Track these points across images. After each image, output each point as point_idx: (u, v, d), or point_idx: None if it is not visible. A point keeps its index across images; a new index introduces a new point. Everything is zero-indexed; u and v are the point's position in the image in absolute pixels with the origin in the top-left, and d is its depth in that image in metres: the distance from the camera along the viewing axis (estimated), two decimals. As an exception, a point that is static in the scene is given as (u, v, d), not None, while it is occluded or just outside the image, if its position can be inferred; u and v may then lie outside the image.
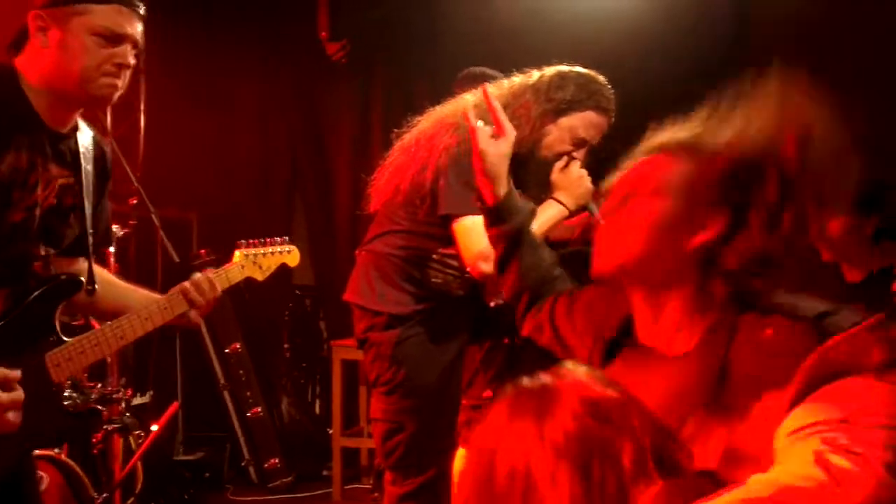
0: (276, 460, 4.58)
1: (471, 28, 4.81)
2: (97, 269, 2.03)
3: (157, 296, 2.10)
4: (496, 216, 1.91)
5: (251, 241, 2.36)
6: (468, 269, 2.47)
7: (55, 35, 1.82)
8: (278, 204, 5.74)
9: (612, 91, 2.56)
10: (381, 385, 2.65)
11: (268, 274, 2.39)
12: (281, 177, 5.74)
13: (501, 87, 2.55)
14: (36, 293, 1.87)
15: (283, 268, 2.50)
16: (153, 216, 3.27)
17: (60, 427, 1.95)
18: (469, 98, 2.52)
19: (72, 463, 2.69)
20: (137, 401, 3.69)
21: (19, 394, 1.71)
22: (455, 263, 2.59)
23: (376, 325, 2.67)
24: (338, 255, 5.54)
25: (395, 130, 2.69)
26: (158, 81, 5.37)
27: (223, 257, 4.78)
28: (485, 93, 1.95)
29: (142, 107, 5.38)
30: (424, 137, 2.55)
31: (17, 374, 1.72)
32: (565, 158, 2.56)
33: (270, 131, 5.65)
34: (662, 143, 1.48)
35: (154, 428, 2.92)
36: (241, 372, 4.67)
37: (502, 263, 1.93)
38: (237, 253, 2.30)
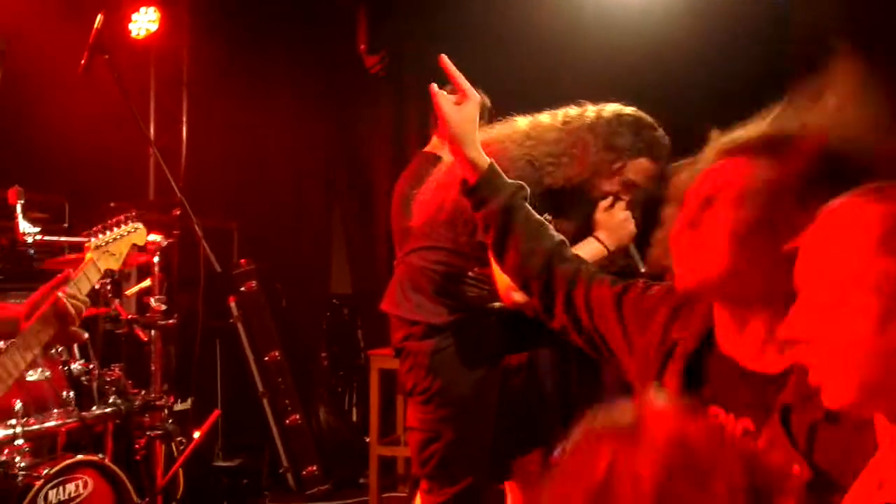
0: (314, 468, 4.63)
1: (511, 42, 4.84)
2: None
3: (19, 306, 1.97)
4: (479, 196, 1.77)
5: (95, 228, 2.28)
6: (501, 298, 2.49)
7: None
8: (317, 214, 5.81)
9: (667, 139, 2.54)
10: (418, 394, 2.68)
11: (122, 259, 2.30)
12: (319, 187, 5.81)
13: (556, 119, 2.54)
14: None
15: (135, 248, 2.44)
16: (195, 226, 3.33)
17: None
18: (520, 121, 2.53)
19: (115, 468, 2.75)
20: (178, 407, 3.75)
21: None
22: (490, 282, 2.61)
23: (413, 335, 2.70)
24: (375, 264, 5.59)
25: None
26: (200, 93, 5.48)
27: (264, 266, 4.90)
28: (442, 62, 1.86)
29: (184, 118, 5.49)
30: None
31: None
32: (611, 198, 2.56)
33: (309, 142, 5.72)
34: (736, 144, 1.37)
35: (196, 435, 2.98)
36: (279, 380, 4.72)
37: (497, 248, 1.77)
38: (89, 251, 2.20)
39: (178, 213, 3.45)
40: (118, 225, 2.29)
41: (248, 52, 5.38)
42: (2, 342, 2.04)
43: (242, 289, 4.74)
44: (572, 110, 2.57)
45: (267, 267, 4.95)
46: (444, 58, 1.86)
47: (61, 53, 3.88)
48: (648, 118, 2.55)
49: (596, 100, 2.58)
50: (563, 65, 4.68)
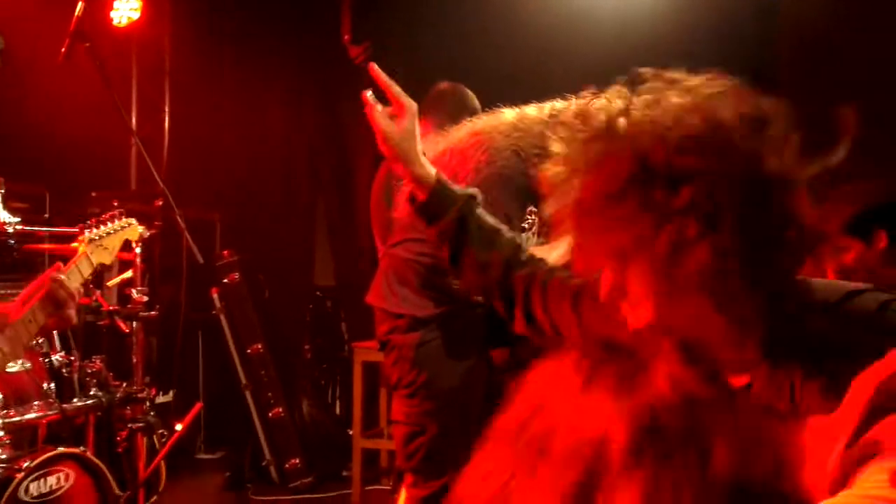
0: (297, 461, 4.61)
1: (496, 32, 4.83)
2: None
3: (9, 304, 1.97)
4: (429, 212, 1.70)
5: (90, 221, 2.27)
6: None
7: None
8: (300, 205, 5.78)
9: None
10: (403, 387, 2.67)
11: (115, 254, 2.31)
12: (303, 178, 5.78)
13: (542, 112, 2.52)
14: None
15: (127, 244, 2.43)
16: (178, 217, 3.30)
17: None
18: (507, 113, 2.52)
19: (97, 461, 2.72)
20: (160, 399, 3.72)
21: None
22: None
23: (398, 328, 2.68)
24: (359, 256, 5.57)
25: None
26: (183, 82, 5.43)
27: (246, 258, 4.87)
28: (372, 70, 1.75)
29: (166, 108, 5.45)
30: (457, 150, 2.55)
31: None
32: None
33: (293, 133, 5.69)
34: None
35: (178, 427, 2.96)
36: (262, 372, 4.70)
37: (453, 262, 1.70)
38: (81, 244, 2.20)
39: (161, 203, 3.42)
40: (112, 220, 2.29)
41: (232, 41, 5.34)
42: None
43: (225, 280, 4.71)
44: (559, 104, 2.56)
45: (250, 258, 4.92)
46: (374, 66, 1.75)
47: (42, 41, 3.83)
48: None
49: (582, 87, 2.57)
50: (550, 56, 4.67)
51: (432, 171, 1.70)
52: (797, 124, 1.29)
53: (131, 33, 5.13)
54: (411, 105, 1.70)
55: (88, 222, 2.21)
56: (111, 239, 2.25)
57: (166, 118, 5.39)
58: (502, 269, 1.66)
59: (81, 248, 2.16)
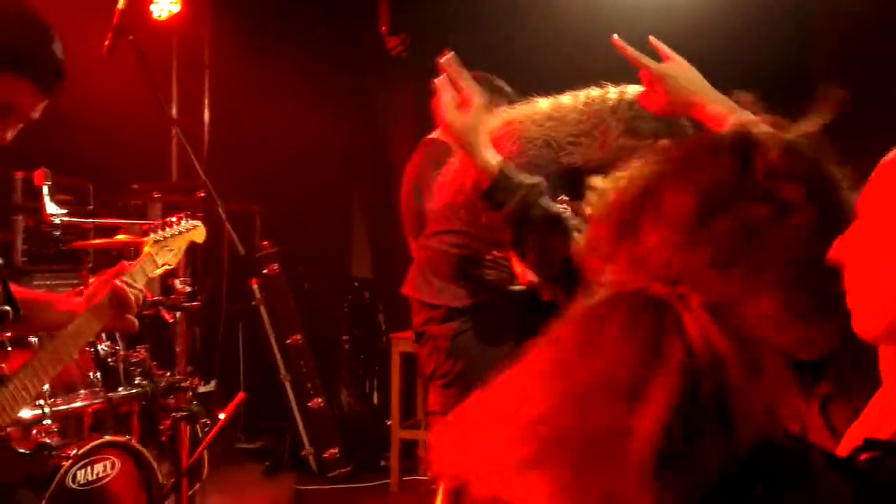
0: (336, 450, 4.65)
1: (534, 23, 4.82)
2: (13, 287, 1.88)
3: (77, 300, 1.97)
4: (493, 200, 1.74)
5: (155, 223, 2.29)
6: (518, 278, 2.48)
7: None
8: (338, 197, 5.82)
9: (690, 124, 2.50)
10: (439, 378, 2.68)
11: (180, 256, 2.30)
12: (341, 170, 5.81)
13: (577, 101, 2.51)
14: None
15: (197, 248, 2.44)
16: (220, 209, 3.34)
17: (19, 472, 1.88)
18: (542, 102, 2.51)
19: (142, 449, 2.77)
20: (202, 389, 3.78)
21: None
22: (508, 265, 2.60)
23: (433, 319, 2.70)
24: (396, 248, 5.59)
25: None
26: (222, 76, 5.49)
27: (286, 249, 4.91)
28: (442, 64, 1.77)
29: (206, 101, 5.51)
30: (491, 139, 2.55)
31: None
32: None
33: (331, 125, 5.71)
34: None
35: (221, 416, 3.00)
36: (301, 363, 4.74)
37: (517, 247, 1.76)
38: (147, 244, 2.19)
39: (203, 195, 3.46)
40: (178, 221, 2.30)
41: (270, 34, 5.38)
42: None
43: (265, 271, 4.76)
44: (594, 91, 2.53)
45: (289, 250, 4.96)
46: (450, 57, 1.77)
47: (83, 34, 3.89)
48: None
49: (620, 81, 2.55)
50: (584, 49, 4.64)
51: (497, 159, 1.74)
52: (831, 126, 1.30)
53: (171, 27, 5.19)
54: (478, 99, 1.73)
55: (153, 223, 2.23)
56: (177, 240, 2.26)
57: (206, 111, 5.46)
58: (563, 257, 1.70)
59: (147, 249, 2.16)
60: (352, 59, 5.62)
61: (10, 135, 1.67)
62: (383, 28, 5.15)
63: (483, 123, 1.76)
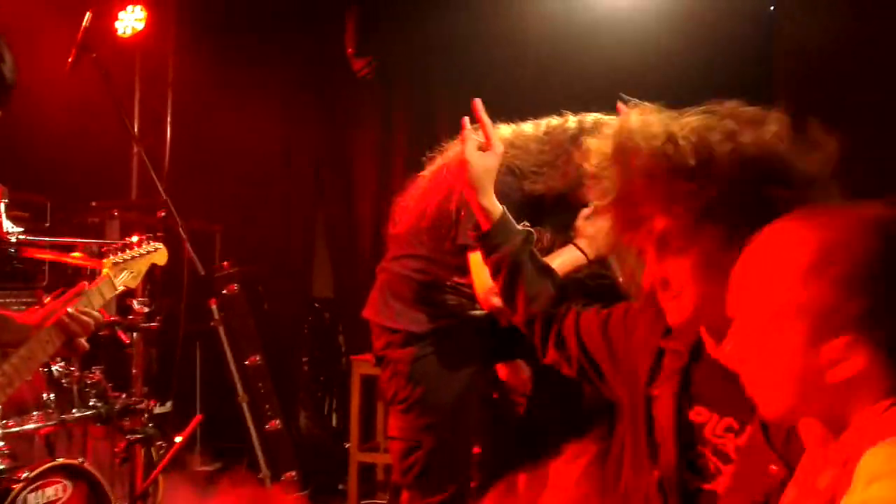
0: (293, 473, 4.61)
1: (499, 47, 4.86)
2: None
3: (30, 322, 1.95)
4: (491, 243, 1.88)
5: (116, 244, 2.26)
6: (479, 302, 2.50)
7: None
8: (300, 218, 5.79)
9: None
10: (399, 402, 2.68)
11: (140, 278, 2.28)
12: (304, 190, 5.79)
13: (538, 129, 2.56)
14: None
15: (155, 268, 2.39)
16: (180, 229, 3.31)
17: None
18: (503, 129, 2.54)
19: (95, 472, 2.73)
20: (158, 410, 3.73)
21: None
22: (468, 291, 2.62)
23: (393, 343, 2.70)
24: (358, 269, 5.58)
25: (426, 154, 2.72)
26: (185, 93, 5.46)
27: (246, 269, 4.88)
28: (474, 106, 1.96)
29: (168, 118, 5.47)
30: (452, 165, 2.57)
31: None
32: (593, 206, 2.56)
33: (295, 145, 5.71)
34: (654, 159, 1.43)
35: (177, 439, 2.97)
36: (259, 384, 4.70)
37: (506, 292, 1.89)
38: (105, 266, 2.18)
39: (163, 214, 3.43)
40: (139, 243, 2.27)
41: (235, 52, 5.37)
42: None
43: (224, 291, 4.71)
44: (554, 120, 2.59)
45: (249, 270, 4.93)
46: (478, 102, 1.95)
47: (44, 50, 3.85)
48: None
49: (581, 108, 2.60)
50: (551, 72, 4.71)
51: (499, 206, 1.90)
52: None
53: (135, 44, 5.16)
54: (498, 146, 1.93)
55: (113, 245, 2.21)
56: (137, 262, 2.25)
57: (168, 129, 5.42)
58: (548, 303, 1.86)
59: (105, 270, 2.14)
60: (317, 79, 5.62)
61: None
62: (350, 50, 5.17)
63: (496, 171, 1.91)
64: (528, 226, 2.61)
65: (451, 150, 2.64)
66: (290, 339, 5.42)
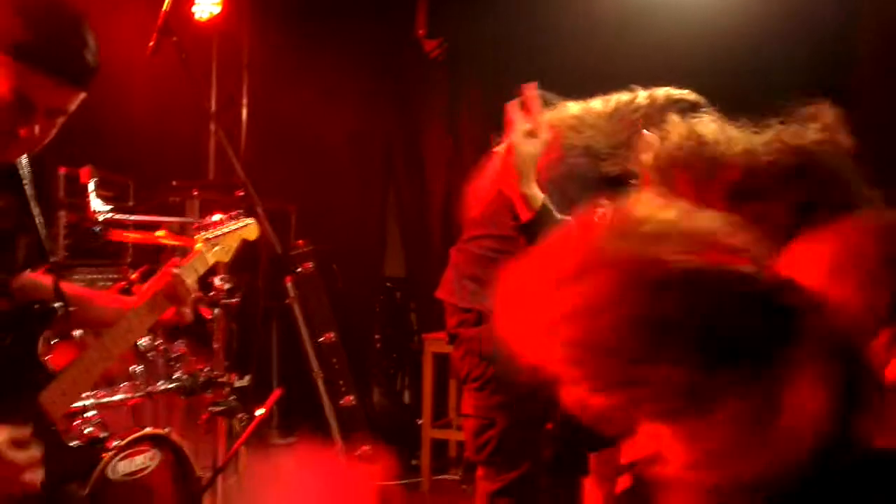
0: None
1: (571, 28, 4.82)
2: (63, 283, 1.88)
3: (127, 299, 2.00)
4: (532, 231, 1.85)
5: (207, 222, 2.27)
6: None
7: None
8: (373, 196, 5.86)
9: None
10: (472, 381, 2.70)
11: (231, 253, 2.29)
12: (376, 170, 5.85)
13: (608, 106, 2.53)
14: (13, 335, 1.73)
15: (246, 244, 2.41)
16: (259, 208, 3.38)
17: (70, 467, 1.84)
18: (572, 107, 2.53)
19: (180, 442, 2.82)
20: (238, 384, 3.83)
21: (36, 452, 1.61)
22: None
23: (466, 322, 2.72)
24: (429, 248, 5.63)
25: (496, 134, 2.73)
26: (260, 75, 5.56)
27: (320, 248, 4.97)
28: (526, 93, 1.92)
29: (244, 100, 5.58)
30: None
31: (27, 431, 1.61)
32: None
33: (367, 126, 5.76)
34: (714, 177, 1.41)
35: (259, 412, 3.05)
36: (333, 361, 4.78)
37: None
38: (198, 241, 2.20)
39: (242, 194, 3.51)
40: (230, 219, 2.30)
41: (309, 35, 5.44)
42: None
43: (299, 269, 4.80)
44: (623, 96, 2.54)
45: (323, 248, 5.01)
46: (530, 87, 1.93)
47: (125, 35, 3.96)
48: (702, 100, 2.51)
49: (652, 85, 2.55)
50: (620, 50, 4.65)
51: (540, 194, 1.86)
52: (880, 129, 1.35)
53: (212, 27, 5.26)
54: (545, 133, 1.89)
55: (204, 223, 2.24)
56: (228, 238, 2.27)
57: (244, 111, 5.52)
58: None
59: (198, 246, 2.17)
60: (389, 61, 5.66)
61: (38, 129, 1.62)
62: (421, 31, 5.19)
63: (538, 158, 1.87)
64: (602, 203, 2.61)
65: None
66: (362, 317, 5.50)
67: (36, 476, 1.60)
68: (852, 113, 1.43)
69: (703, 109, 2.46)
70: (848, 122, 1.43)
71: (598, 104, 2.54)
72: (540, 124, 1.88)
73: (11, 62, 1.56)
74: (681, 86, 2.52)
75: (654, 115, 2.44)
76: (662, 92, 2.49)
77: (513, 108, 1.90)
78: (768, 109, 1.48)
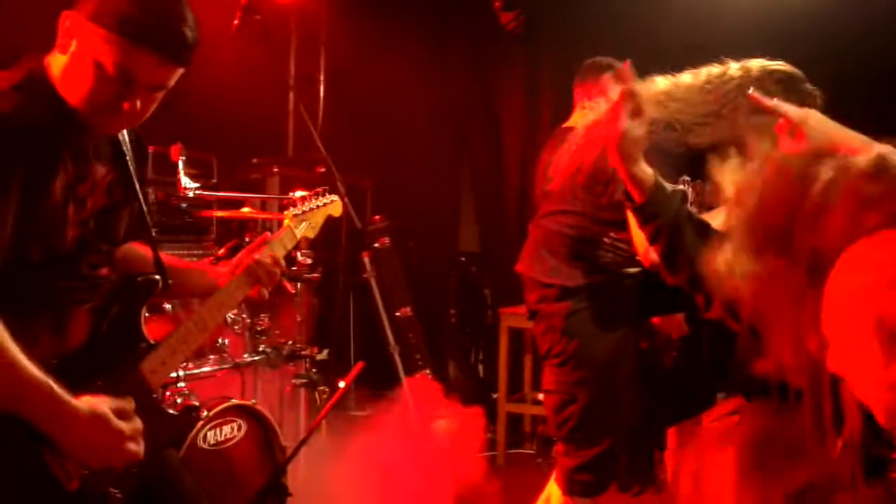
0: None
1: (646, 4, 4.74)
2: (161, 256, 1.92)
3: (219, 271, 2.04)
4: (646, 213, 1.84)
5: (294, 198, 2.29)
6: (639, 257, 2.49)
7: (75, 46, 1.63)
8: (447, 172, 5.88)
9: (818, 92, 2.44)
10: (553, 357, 2.72)
11: (317, 229, 2.32)
12: (451, 145, 5.86)
13: (698, 79, 2.49)
14: (118, 305, 1.78)
15: (332, 220, 2.43)
16: (339, 184, 3.44)
17: (167, 434, 1.88)
18: (660, 81, 2.50)
19: (266, 413, 2.90)
20: (319, 357, 3.91)
21: (138, 423, 1.65)
22: (625, 247, 2.61)
23: (548, 297, 2.73)
24: (504, 223, 5.63)
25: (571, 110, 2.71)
26: (337, 53, 5.60)
27: (396, 223, 5.01)
28: (620, 71, 1.92)
29: (321, 77, 5.63)
30: (605, 126, 2.55)
31: (131, 403, 1.66)
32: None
33: (443, 101, 5.77)
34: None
35: (341, 384, 3.11)
36: (410, 335, 4.84)
37: (666, 256, 1.84)
38: (287, 217, 2.22)
39: (322, 170, 3.56)
40: (316, 196, 2.33)
41: (385, 11, 5.45)
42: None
43: (376, 245, 4.86)
44: (714, 69, 2.50)
45: (399, 224, 5.06)
46: (627, 67, 1.95)
47: (207, 14, 4.03)
48: (798, 72, 2.45)
49: (740, 58, 2.50)
50: (705, 27, 4.55)
51: (650, 172, 1.84)
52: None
53: (290, 6, 5.32)
54: (647, 117, 1.87)
55: (292, 199, 2.27)
56: (315, 214, 2.31)
57: (321, 88, 5.58)
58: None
59: (286, 222, 2.21)
60: (466, 34, 5.65)
61: (139, 104, 1.67)
62: (497, 4, 5.16)
63: (644, 139, 1.85)
64: (687, 181, 2.58)
65: (604, 104, 2.62)
66: (437, 292, 5.54)
67: (139, 447, 1.65)
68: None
69: (801, 82, 2.42)
70: None
71: (687, 77, 2.49)
72: (641, 102, 1.86)
73: (115, 38, 1.60)
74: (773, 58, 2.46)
75: (748, 85, 2.40)
76: (757, 63, 2.43)
77: (612, 89, 1.90)
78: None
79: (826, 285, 1.18)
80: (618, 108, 1.84)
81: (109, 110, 1.64)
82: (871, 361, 1.11)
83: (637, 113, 1.85)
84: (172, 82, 1.71)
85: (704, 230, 1.85)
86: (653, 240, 1.86)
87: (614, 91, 1.92)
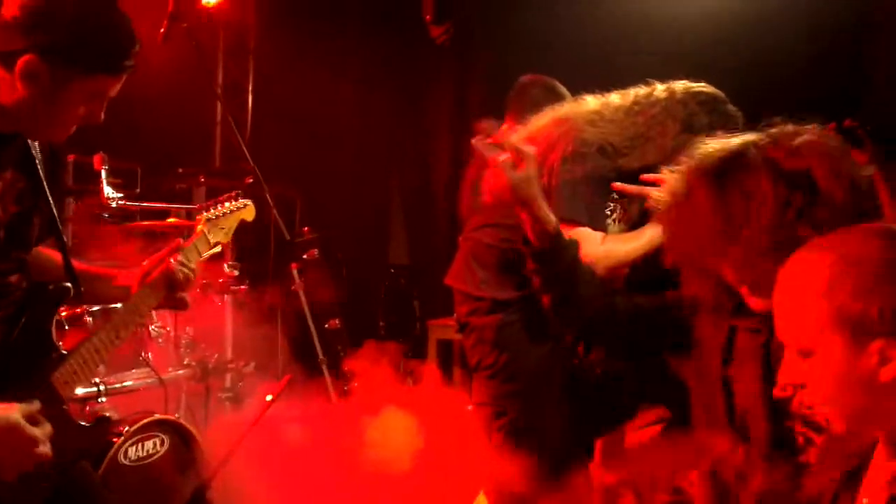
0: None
1: (576, 17, 4.82)
2: (72, 262, 1.90)
3: (131, 276, 2.00)
4: (544, 259, 1.86)
5: (207, 202, 2.28)
6: None
7: (42, 86, 1.65)
8: (377, 183, 5.87)
9: (739, 112, 2.50)
10: (483, 369, 2.71)
11: (230, 234, 2.30)
12: (381, 157, 5.86)
13: (626, 100, 2.52)
14: (28, 313, 1.75)
15: (255, 230, 2.42)
16: (268, 195, 3.40)
17: (79, 445, 1.86)
18: (590, 101, 2.52)
19: (190, 427, 2.84)
20: (245, 370, 3.85)
21: (48, 427, 1.64)
22: None
23: (478, 310, 2.73)
24: (433, 235, 5.64)
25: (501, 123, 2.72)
26: (266, 62, 5.55)
27: (325, 235, 4.97)
28: (484, 132, 1.94)
29: (250, 87, 5.57)
30: (541, 137, 2.56)
31: (37, 406, 1.65)
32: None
33: (372, 113, 5.76)
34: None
35: (268, 398, 3.07)
36: (339, 347, 4.80)
37: (562, 302, 1.89)
38: (199, 223, 2.21)
39: (251, 181, 3.52)
40: (229, 200, 2.30)
41: (314, 21, 5.42)
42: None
43: (305, 256, 4.81)
44: (642, 90, 2.53)
45: (328, 235, 5.02)
46: (485, 126, 2.00)
47: (135, 20, 3.95)
48: (720, 94, 2.51)
49: (665, 77, 2.55)
50: (624, 39, 4.64)
51: (552, 217, 1.85)
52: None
53: (218, 14, 5.26)
54: (529, 152, 1.85)
55: (206, 203, 2.25)
56: (228, 219, 2.27)
57: (249, 97, 5.52)
58: (599, 308, 1.88)
59: (199, 227, 2.18)
60: (395, 46, 5.65)
61: (83, 110, 1.74)
62: (427, 17, 5.17)
63: (537, 177, 1.85)
64: (615, 199, 2.61)
65: (536, 121, 2.64)
66: (367, 304, 5.51)
67: (48, 449, 1.63)
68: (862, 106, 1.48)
69: (724, 103, 2.48)
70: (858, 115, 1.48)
71: (616, 98, 2.52)
72: (520, 152, 1.85)
73: (69, 74, 1.65)
74: (695, 75, 2.52)
75: (674, 108, 2.45)
76: (681, 85, 2.48)
77: (481, 146, 1.89)
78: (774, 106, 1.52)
79: (773, 299, 1.24)
80: (496, 168, 1.84)
81: (73, 125, 1.72)
82: (834, 361, 1.17)
83: (518, 161, 1.84)
84: (116, 91, 1.78)
85: (592, 278, 1.90)
86: (547, 286, 1.88)
87: (484, 150, 1.89)
